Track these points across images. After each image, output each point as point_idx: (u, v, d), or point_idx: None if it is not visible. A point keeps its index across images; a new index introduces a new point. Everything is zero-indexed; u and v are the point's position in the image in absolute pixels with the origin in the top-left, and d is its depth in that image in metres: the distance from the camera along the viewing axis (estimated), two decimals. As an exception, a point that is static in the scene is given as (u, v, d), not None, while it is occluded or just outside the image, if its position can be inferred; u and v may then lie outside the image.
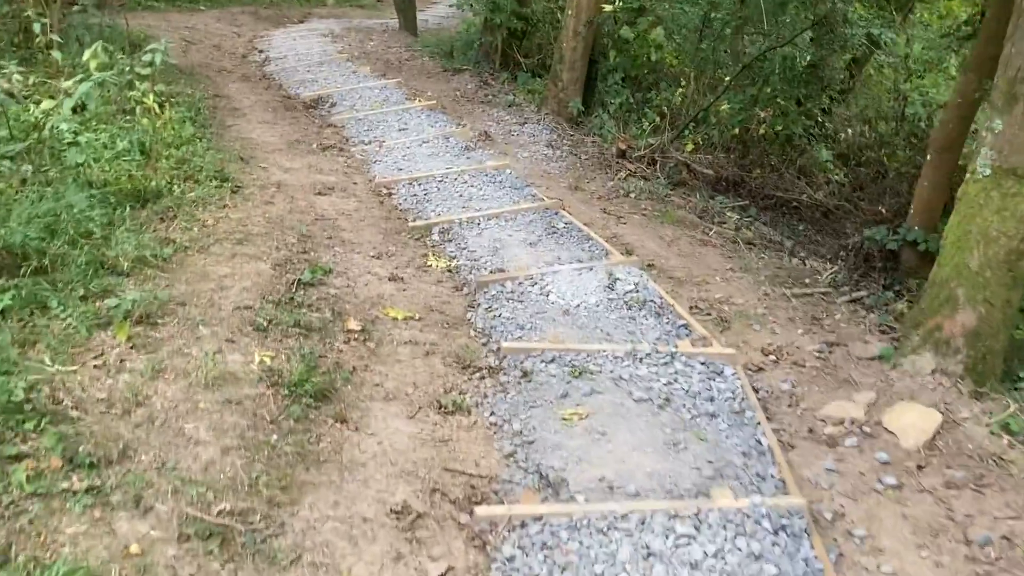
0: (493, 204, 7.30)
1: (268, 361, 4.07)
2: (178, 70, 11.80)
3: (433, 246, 6.51)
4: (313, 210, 6.68)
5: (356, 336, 4.67)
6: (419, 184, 7.75)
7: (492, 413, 4.13)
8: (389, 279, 5.66)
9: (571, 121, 10.57)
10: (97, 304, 4.26)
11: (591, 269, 5.88)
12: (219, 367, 3.93)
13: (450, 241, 6.59)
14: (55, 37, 7.04)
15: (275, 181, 7.17)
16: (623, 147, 9.58)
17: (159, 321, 4.27)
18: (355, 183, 7.72)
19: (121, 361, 3.84)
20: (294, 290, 5.00)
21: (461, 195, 7.56)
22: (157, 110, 6.71)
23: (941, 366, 4.58)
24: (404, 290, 5.55)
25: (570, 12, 10.27)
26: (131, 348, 3.96)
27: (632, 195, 8.39)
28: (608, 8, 9.91)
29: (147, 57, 6.63)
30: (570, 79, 10.49)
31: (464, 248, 6.46)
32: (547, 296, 5.57)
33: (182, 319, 4.34)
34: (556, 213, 7.15)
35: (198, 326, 4.29)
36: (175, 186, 6.15)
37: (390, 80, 11.75)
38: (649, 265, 6.36)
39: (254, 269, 5.17)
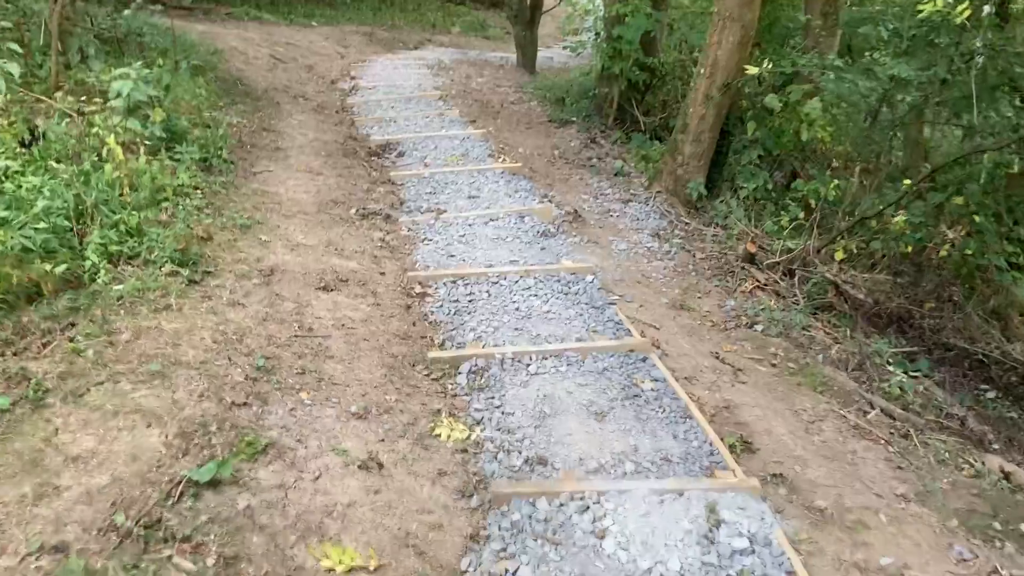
0: (557, 331, 5.20)
1: None
2: (244, 91, 10.33)
3: (454, 396, 4.46)
4: (300, 319, 4.76)
5: (235, 626, 2.64)
6: (466, 284, 5.74)
7: None
8: (360, 466, 3.63)
9: (688, 205, 8.35)
10: None
11: (680, 496, 3.66)
12: None
13: (482, 390, 4.52)
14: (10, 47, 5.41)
15: (268, 265, 5.30)
16: (752, 250, 7.30)
17: None
18: (382, 273, 5.78)
19: None
20: (174, 501, 3.03)
21: (518, 308, 5.50)
22: (120, 154, 4.95)
23: None
24: (377, 492, 3.50)
25: (702, 71, 8.07)
26: None
27: (759, 326, 6.11)
28: (752, 70, 7.64)
29: (116, 84, 4.90)
30: (693, 153, 8.28)
31: (499, 407, 4.38)
32: (601, 541, 3.40)
33: (-85, 576, 2.43)
34: (644, 359, 4.97)
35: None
36: (102, 271, 4.35)
37: (478, 129, 9.86)
38: (776, 476, 4.10)
39: (131, 446, 3.24)
